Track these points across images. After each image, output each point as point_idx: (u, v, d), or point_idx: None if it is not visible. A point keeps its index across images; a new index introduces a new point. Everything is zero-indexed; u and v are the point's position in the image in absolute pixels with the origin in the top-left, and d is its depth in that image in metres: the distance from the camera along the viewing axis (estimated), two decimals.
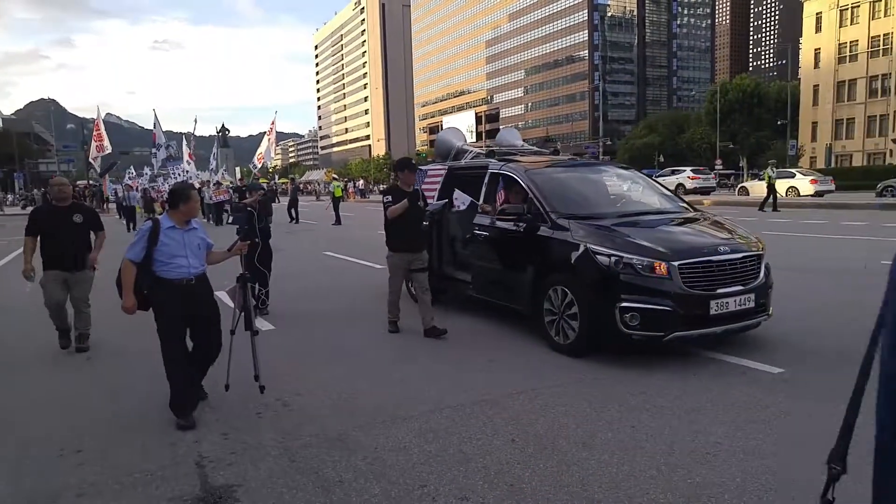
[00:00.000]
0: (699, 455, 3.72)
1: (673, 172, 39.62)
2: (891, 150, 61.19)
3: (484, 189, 7.42)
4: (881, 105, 63.05)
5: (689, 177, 37.96)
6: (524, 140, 10.19)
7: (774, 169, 25.44)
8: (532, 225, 6.38)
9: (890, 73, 61.43)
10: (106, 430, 4.48)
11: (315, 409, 4.73)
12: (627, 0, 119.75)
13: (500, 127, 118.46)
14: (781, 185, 31.19)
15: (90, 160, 34.71)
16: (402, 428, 4.29)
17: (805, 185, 31.33)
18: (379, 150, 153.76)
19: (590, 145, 75.21)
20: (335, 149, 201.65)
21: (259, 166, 26.83)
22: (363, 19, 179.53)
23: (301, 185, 76.40)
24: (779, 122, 60.83)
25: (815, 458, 3.51)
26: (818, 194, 30.44)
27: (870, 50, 63.74)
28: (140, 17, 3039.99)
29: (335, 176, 52.30)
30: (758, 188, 33.23)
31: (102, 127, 32.21)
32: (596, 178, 7.65)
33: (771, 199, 23.70)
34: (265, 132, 27.40)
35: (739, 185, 37.39)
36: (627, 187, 7.72)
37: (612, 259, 5.51)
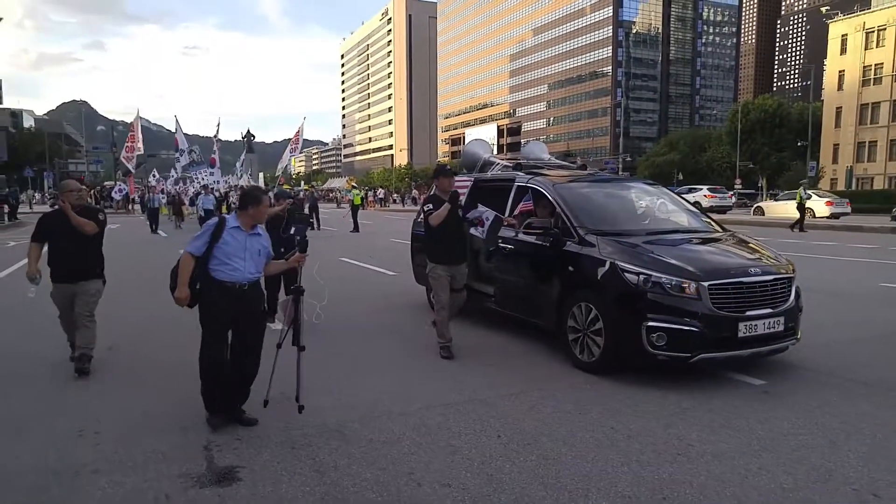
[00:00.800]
0: (670, 455, 3.98)
1: (690, 191, 39.65)
2: None
3: (510, 202, 7.36)
4: None
5: (705, 195, 37.99)
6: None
7: (806, 190, 25.54)
8: (559, 240, 6.32)
9: None
10: (121, 416, 4.81)
11: (317, 402, 5.02)
12: (652, 17, 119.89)
13: (522, 140, 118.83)
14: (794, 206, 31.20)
15: (122, 160, 35.50)
16: (398, 422, 4.58)
17: (821, 206, 31.26)
18: (401, 159, 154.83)
19: (609, 161, 75.23)
20: (358, 157, 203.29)
21: (282, 168, 27.59)
22: (390, 30, 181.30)
23: (323, 193, 77.22)
24: (799, 143, 60.51)
25: (779, 464, 3.77)
26: (833, 216, 30.39)
27: (895, 73, 63.31)
28: (173, 23, 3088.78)
29: (354, 184, 52.84)
30: (773, 209, 33.33)
31: (139, 129, 33.03)
32: (623, 194, 7.59)
33: (798, 219, 23.76)
34: (290, 138, 28.02)
35: (755, 206, 37.34)
36: (655, 204, 7.59)
37: (641, 277, 5.46)
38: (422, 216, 8.81)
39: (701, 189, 40.33)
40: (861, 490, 3.52)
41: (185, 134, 35.11)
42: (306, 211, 28.97)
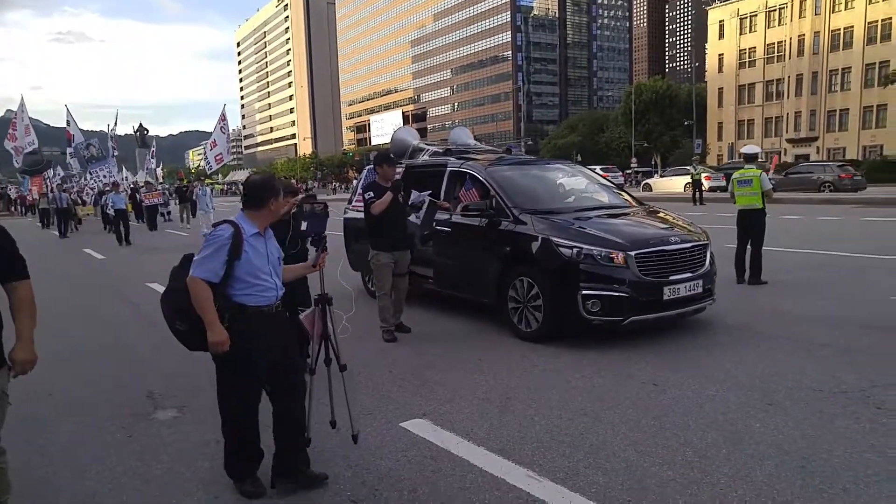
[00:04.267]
0: (518, 373, 5.32)
1: None
2: (785, 150, 65.95)
3: (444, 186, 7.53)
4: (776, 107, 68.03)
5: (599, 174, 40.34)
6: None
7: (696, 166, 27.96)
8: (495, 220, 6.68)
9: (783, 78, 66.41)
10: (68, 384, 5.68)
11: None
12: (549, 1, 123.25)
13: (428, 126, 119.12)
14: (680, 182, 33.90)
15: (14, 160, 32.75)
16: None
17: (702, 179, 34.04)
18: (305, 148, 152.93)
19: (513, 144, 77.52)
20: (260, 148, 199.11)
21: (217, 167, 25.46)
22: (287, 16, 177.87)
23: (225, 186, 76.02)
24: (685, 123, 64.67)
25: (597, 373, 5.09)
26: (712, 189, 33.20)
27: (766, 56, 68.59)
28: (49, 8, 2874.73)
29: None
30: (659, 185, 36.13)
31: (27, 120, 30.77)
32: (549, 175, 8.02)
33: (698, 194, 26.12)
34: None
35: (644, 182, 40.06)
36: (577, 183, 8.04)
37: (574, 250, 5.89)
38: (352, 204, 9.16)
39: (595, 169, 42.69)
40: (647, 382, 4.94)
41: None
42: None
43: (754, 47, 69.74)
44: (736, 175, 9.08)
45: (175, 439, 4.25)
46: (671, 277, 5.96)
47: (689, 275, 6.08)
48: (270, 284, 3.38)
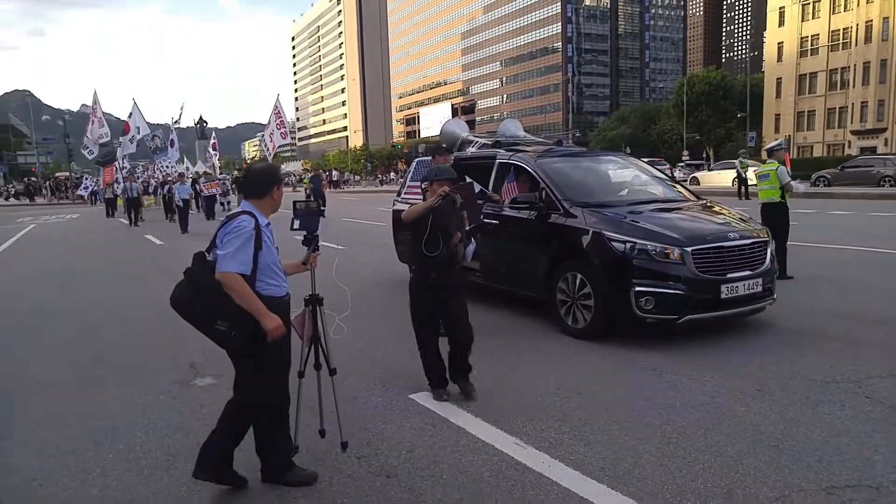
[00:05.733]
0: (530, 360, 5.68)
1: None
2: (849, 142, 63.55)
3: (492, 178, 7.47)
4: (840, 98, 65.18)
5: None
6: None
7: (744, 160, 27.57)
8: (545, 213, 6.56)
9: (849, 67, 63.76)
10: (119, 358, 6.25)
11: None
12: None
13: (477, 118, 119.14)
14: (728, 176, 33.35)
15: (82, 151, 34.06)
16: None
17: (749, 174, 33.36)
18: (356, 141, 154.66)
19: (562, 137, 76.95)
20: (313, 140, 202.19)
21: (271, 154, 26.35)
22: (340, 10, 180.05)
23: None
24: (739, 115, 63.07)
25: (591, 352, 5.63)
26: None
27: (830, 44, 65.79)
28: (116, 8, 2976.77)
29: (306, 168, 53.83)
30: (707, 178, 35.63)
31: (100, 112, 32.07)
32: (601, 167, 7.84)
33: (743, 189, 25.42)
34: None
35: (691, 176, 39.42)
36: (630, 176, 7.84)
37: (627, 245, 5.73)
38: (401, 196, 9.24)
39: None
40: (646, 368, 5.26)
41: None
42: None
43: (817, 34, 67.05)
44: (758, 170, 9.24)
45: (210, 401, 4.76)
46: (729, 275, 5.75)
47: (748, 272, 5.88)
48: (283, 274, 3.41)
